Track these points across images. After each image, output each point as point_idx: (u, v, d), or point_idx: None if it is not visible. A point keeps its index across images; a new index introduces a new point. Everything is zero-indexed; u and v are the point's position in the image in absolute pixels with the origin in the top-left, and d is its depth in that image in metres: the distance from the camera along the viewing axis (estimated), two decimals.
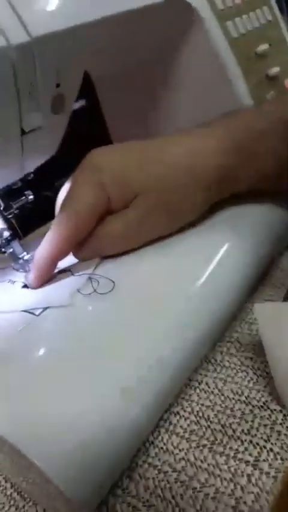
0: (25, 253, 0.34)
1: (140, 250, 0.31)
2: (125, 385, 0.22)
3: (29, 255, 0.34)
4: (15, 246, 0.33)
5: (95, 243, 0.31)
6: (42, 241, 0.30)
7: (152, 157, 0.29)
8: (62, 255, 0.31)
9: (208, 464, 0.24)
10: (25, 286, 0.32)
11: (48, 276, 0.31)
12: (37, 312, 0.28)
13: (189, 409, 0.27)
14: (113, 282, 0.28)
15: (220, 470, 0.24)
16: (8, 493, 0.27)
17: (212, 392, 0.28)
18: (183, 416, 0.27)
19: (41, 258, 0.30)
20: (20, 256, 0.33)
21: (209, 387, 0.29)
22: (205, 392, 0.28)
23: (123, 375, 0.23)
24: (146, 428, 0.24)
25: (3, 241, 0.32)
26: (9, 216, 0.31)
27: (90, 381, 0.23)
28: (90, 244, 0.31)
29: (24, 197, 0.32)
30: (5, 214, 0.31)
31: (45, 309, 0.28)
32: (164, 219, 0.30)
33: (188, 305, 0.27)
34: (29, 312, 0.28)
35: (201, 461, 0.24)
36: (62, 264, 0.32)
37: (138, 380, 0.23)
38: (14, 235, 0.33)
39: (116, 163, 0.29)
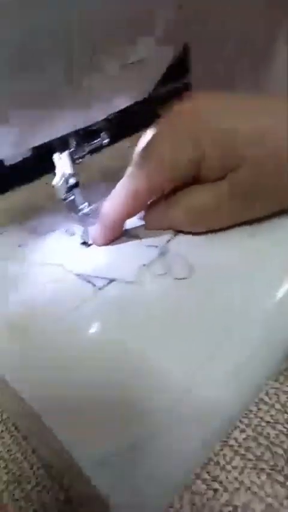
0: (86, 204, 0.29)
1: (219, 232, 0.26)
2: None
3: (89, 208, 0.29)
4: (77, 194, 0.29)
5: (173, 213, 0.26)
6: (112, 193, 0.26)
7: (273, 126, 0.24)
8: (132, 214, 0.26)
9: (266, 494, 0.21)
10: (84, 243, 0.27)
11: (115, 236, 0.27)
12: (98, 283, 0.24)
13: (246, 421, 0.24)
14: (191, 265, 0.24)
15: (281, 504, 0.21)
16: (35, 467, 0.25)
17: (273, 406, 0.25)
18: (238, 427, 0.24)
19: (109, 213, 0.26)
20: (80, 207, 0.29)
21: (270, 399, 0.25)
22: (265, 404, 0.25)
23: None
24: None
25: (67, 187, 0.27)
26: (79, 161, 0.26)
27: (159, 385, 0.19)
28: (166, 213, 0.26)
29: (99, 139, 0.27)
30: (75, 157, 0.26)
31: (109, 282, 0.24)
32: (264, 200, 0.25)
33: (279, 308, 0.23)
34: (88, 281, 0.24)
35: (258, 488, 0.22)
36: (128, 224, 0.27)
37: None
38: (78, 182, 0.28)
39: (225, 121, 0.24)
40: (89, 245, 0.27)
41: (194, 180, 0.26)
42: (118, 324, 0.22)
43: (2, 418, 0.28)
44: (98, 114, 0.24)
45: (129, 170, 0.26)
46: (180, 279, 0.23)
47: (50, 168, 0.27)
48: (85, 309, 0.23)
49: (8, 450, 0.26)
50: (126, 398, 0.19)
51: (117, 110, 0.24)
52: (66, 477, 0.23)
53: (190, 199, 0.25)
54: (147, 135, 0.27)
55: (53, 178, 0.27)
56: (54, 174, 0.27)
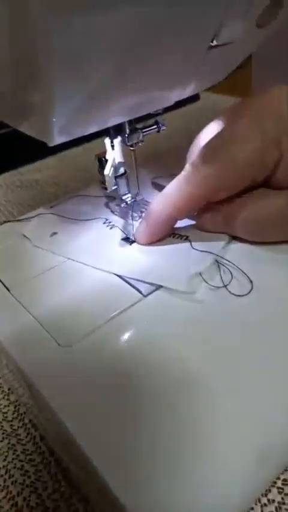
0: (129, 195, 0.27)
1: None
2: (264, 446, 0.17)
3: (132, 200, 0.27)
4: (121, 183, 0.26)
5: (235, 218, 0.23)
6: (165, 190, 0.23)
7: None
8: (183, 216, 0.24)
9: None
10: (126, 238, 0.25)
11: (160, 236, 0.24)
12: (143, 290, 0.22)
13: None
14: (251, 281, 0.21)
15: None
16: (53, 471, 0.23)
17: None
18: None
19: (157, 212, 0.23)
20: (124, 197, 0.26)
21: None
22: None
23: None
24: None
25: (115, 177, 0.24)
26: (132, 148, 0.24)
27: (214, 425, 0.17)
28: (226, 218, 0.23)
29: (155, 126, 0.24)
30: (128, 144, 0.23)
31: (156, 288, 0.22)
32: None
33: None
34: (131, 285, 0.22)
35: None
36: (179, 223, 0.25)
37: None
38: (126, 171, 0.25)
39: None
40: (132, 242, 0.25)
41: (263, 184, 0.23)
42: (164, 336, 0.20)
43: (18, 413, 0.26)
44: (170, 98, 0.21)
45: (187, 169, 0.23)
46: (239, 295, 0.21)
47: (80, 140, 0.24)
48: (127, 317, 0.20)
49: (23, 450, 0.25)
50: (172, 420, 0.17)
51: (190, 94, 0.21)
52: (86, 488, 0.22)
53: (258, 205, 0.22)
54: (208, 131, 0.24)
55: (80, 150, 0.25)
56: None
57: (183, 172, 0.23)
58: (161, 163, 0.35)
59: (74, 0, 0.12)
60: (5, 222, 0.30)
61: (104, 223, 0.26)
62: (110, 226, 0.26)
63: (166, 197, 0.23)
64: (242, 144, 0.21)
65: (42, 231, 0.27)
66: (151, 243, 0.24)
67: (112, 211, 0.27)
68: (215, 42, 0.18)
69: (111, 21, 0.14)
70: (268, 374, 0.18)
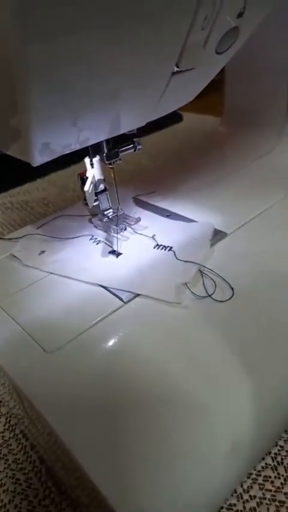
0: (111, 210, 0.28)
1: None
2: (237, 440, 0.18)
3: (114, 214, 0.28)
4: (102, 199, 0.27)
5: None
6: None
7: None
8: None
9: None
10: (113, 251, 0.26)
11: None
12: (124, 297, 0.23)
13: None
14: (232, 288, 0.23)
15: None
16: (43, 479, 0.24)
17: None
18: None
19: None
20: (106, 212, 0.28)
21: None
22: None
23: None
24: None
25: (95, 193, 0.26)
26: (111, 166, 0.25)
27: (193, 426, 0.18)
28: None
29: (132, 146, 0.26)
30: (106, 162, 0.25)
31: (137, 295, 0.23)
32: None
33: None
34: (112, 293, 0.23)
35: None
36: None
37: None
38: (106, 188, 0.27)
39: None
40: (118, 255, 0.26)
41: None
42: (143, 339, 0.21)
43: (9, 424, 0.27)
44: (141, 120, 0.23)
45: None
46: (220, 301, 0.22)
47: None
48: (109, 322, 0.22)
49: (15, 459, 0.25)
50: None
51: (159, 117, 0.23)
52: (75, 493, 0.23)
53: None
54: None
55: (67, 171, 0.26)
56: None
57: None
58: (144, 181, 0.37)
59: (51, 30, 0.14)
60: None
61: (91, 239, 0.28)
62: (96, 242, 0.27)
63: None
64: None
65: (30, 250, 0.28)
66: None
67: (95, 226, 0.29)
68: (178, 69, 0.20)
69: (84, 51, 0.16)
70: (248, 375, 0.19)
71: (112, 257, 0.26)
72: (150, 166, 0.52)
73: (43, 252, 0.27)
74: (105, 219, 0.28)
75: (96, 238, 0.27)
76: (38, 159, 0.21)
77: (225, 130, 0.46)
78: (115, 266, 0.25)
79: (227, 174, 0.35)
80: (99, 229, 0.28)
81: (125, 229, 0.27)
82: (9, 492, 0.24)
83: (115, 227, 0.27)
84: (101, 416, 0.19)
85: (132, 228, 0.28)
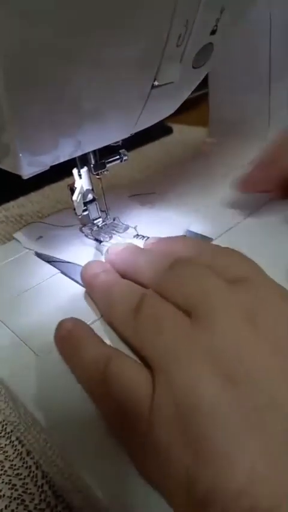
0: (100, 219, 0.29)
1: None
2: None
3: (104, 223, 0.29)
4: (92, 208, 0.29)
5: None
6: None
7: None
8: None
9: None
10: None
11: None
12: None
13: None
14: None
15: None
16: (39, 483, 0.24)
17: None
18: None
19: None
20: (95, 222, 0.29)
21: None
22: None
23: None
24: None
25: (84, 203, 0.27)
26: (98, 177, 0.27)
27: None
28: None
29: (118, 157, 0.27)
30: (94, 173, 0.26)
31: None
32: None
33: None
34: None
35: None
36: None
37: None
38: (94, 198, 0.28)
39: None
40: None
41: None
42: None
43: (5, 432, 0.28)
44: (123, 133, 0.24)
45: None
46: None
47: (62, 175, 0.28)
48: (101, 324, 0.22)
49: (11, 465, 0.26)
50: None
51: (141, 129, 0.24)
52: (70, 496, 0.23)
53: None
54: None
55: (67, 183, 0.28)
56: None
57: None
58: (136, 191, 0.38)
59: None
60: None
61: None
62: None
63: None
64: None
65: (30, 235, 0.32)
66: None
67: (86, 236, 0.30)
68: (156, 83, 0.21)
69: (67, 71, 0.17)
70: None
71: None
72: (144, 177, 0.53)
73: (41, 237, 0.31)
74: (95, 228, 0.29)
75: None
76: (27, 171, 0.22)
77: (212, 140, 0.47)
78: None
79: (212, 181, 0.36)
80: (89, 238, 0.29)
81: (111, 237, 0.28)
82: (5, 498, 0.24)
83: (104, 235, 0.28)
84: (95, 419, 0.19)
85: (120, 237, 0.29)
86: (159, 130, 0.72)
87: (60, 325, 0.20)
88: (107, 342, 0.21)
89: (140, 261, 0.22)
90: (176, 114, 0.78)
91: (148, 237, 0.27)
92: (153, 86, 0.21)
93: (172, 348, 0.16)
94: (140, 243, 0.26)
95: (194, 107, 0.74)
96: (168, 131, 0.72)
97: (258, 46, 0.37)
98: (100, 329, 0.22)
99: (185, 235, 0.28)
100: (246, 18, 0.24)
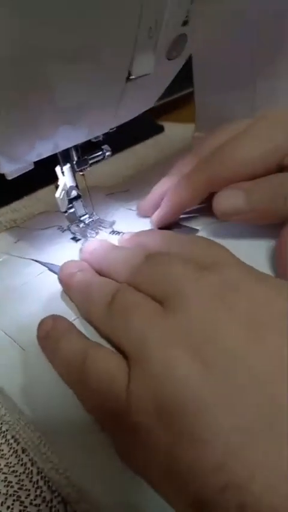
0: (87, 216, 0.29)
1: None
2: None
3: (90, 219, 0.29)
4: (78, 206, 0.29)
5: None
6: (179, 182, 0.26)
7: None
8: (197, 199, 0.27)
9: None
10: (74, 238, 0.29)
11: (171, 220, 0.28)
12: None
13: None
14: None
15: None
16: (35, 479, 0.25)
17: None
18: None
19: (173, 198, 0.27)
20: (82, 218, 0.29)
21: None
22: None
23: None
24: None
25: (68, 200, 0.27)
26: (81, 173, 0.27)
27: None
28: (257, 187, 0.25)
29: (101, 152, 0.27)
30: (77, 169, 0.26)
31: None
32: None
33: None
34: None
35: None
36: None
37: None
38: (79, 195, 0.28)
39: None
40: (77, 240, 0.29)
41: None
42: None
43: (1, 430, 0.28)
44: (101, 128, 0.24)
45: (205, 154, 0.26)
46: None
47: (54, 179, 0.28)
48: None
49: (7, 463, 0.26)
50: None
51: (120, 123, 0.24)
52: (65, 490, 0.23)
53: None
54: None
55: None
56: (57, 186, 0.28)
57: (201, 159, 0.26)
58: (128, 192, 0.38)
59: None
60: None
61: (58, 229, 0.31)
62: (61, 230, 0.31)
63: (185, 180, 0.26)
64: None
65: (8, 239, 0.33)
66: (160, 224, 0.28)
67: (73, 233, 0.30)
68: (132, 76, 0.21)
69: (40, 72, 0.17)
70: None
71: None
72: (137, 176, 0.53)
73: (18, 240, 0.32)
74: (82, 225, 0.29)
75: (62, 227, 0.30)
76: (9, 168, 0.22)
77: (200, 135, 0.47)
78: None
79: None
80: (76, 235, 0.30)
81: (98, 233, 0.29)
82: (1, 495, 0.24)
83: (91, 231, 0.29)
84: (84, 412, 0.20)
85: (105, 232, 0.29)
86: (151, 129, 0.72)
87: (41, 323, 0.21)
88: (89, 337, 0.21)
89: (113, 257, 0.22)
90: (167, 112, 0.79)
91: (123, 233, 0.27)
92: (128, 79, 0.21)
93: (145, 335, 0.16)
94: (115, 238, 0.27)
95: (183, 105, 0.75)
96: (160, 129, 0.73)
97: (241, 42, 0.38)
98: (85, 324, 0.23)
99: (154, 229, 0.28)
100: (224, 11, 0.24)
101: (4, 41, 0.15)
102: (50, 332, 0.20)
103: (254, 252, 0.23)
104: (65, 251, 0.29)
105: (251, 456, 0.13)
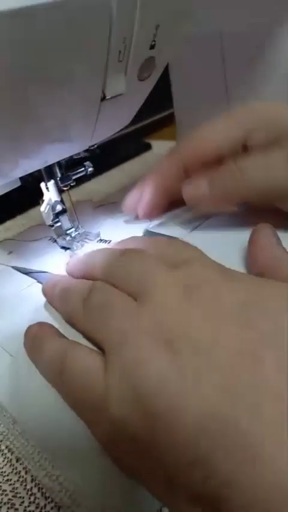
0: (73, 229, 0.31)
1: None
2: None
3: (76, 232, 0.31)
4: (64, 220, 0.30)
5: (226, 179, 0.26)
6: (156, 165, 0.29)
7: None
8: (176, 181, 0.28)
9: None
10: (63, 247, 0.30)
11: (161, 207, 0.30)
12: None
13: None
14: None
15: None
16: (28, 487, 0.25)
17: None
18: None
19: (152, 183, 0.29)
20: (68, 232, 0.30)
21: None
22: None
23: None
24: None
25: (54, 214, 0.29)
26: (65, 188, 0.28)
27: None
28: (219, 180, 0.27)
29: (83, 168, 0.29)
30: (61, 185, 0.28)
31: None
32: None
33: None
34: None
35: None
36: None
37: None
38: (65, 209, 0.30)
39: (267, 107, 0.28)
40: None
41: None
42: None
43: None
44: (80, 145, 0.26)
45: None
46: None
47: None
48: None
49: (1, 472, 0.26)
50: None
51: (98, 141, 0.26)
52: (59, 496, 0.24)
53: (240, 161, 0.26)
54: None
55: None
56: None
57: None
58: (115, 203, 0.40)
59: None
60: None
61: (50, 239, 0.33)
62: (52, 241, 0.32)
63: (159, 167, 0.29)
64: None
65: (2, 251, 0.33)
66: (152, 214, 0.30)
67: (60, 247, 0.31)
68: (106, 96, 0.23)
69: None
70: None
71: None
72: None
73: (11, 252, 0.33)
74: (68, 238, 0.31)
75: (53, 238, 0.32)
76: None
77: None
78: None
79: None
80: (63, 248, 0.31)
81: (83, 245, 0.30)
82: None
83: (77, 243, 0.30)
84: (76, 419, 0.20)
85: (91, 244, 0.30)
86: (139, 147, 0.74)
87: (27, 330, 0.22)
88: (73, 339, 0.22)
89: (93, 260, 0.23)
90: (154, 131, 0.81)
91: (110, 241, 0.28)
92: (103, 99, 0.23)
93: (118, 327, 0.17)
94: (103, 246, 0.28)
95: (168, 123, 0.77)
96: (147, 147, 0.75)
97: (211, 65, 0.40)
98: (69, 332, 0.24)
99: (135, 236, 0.30)
100: (188, 33, 0.26)
101: None
102: (35, 336, 0.21)
103: (229, 253, 0.24)
104: (55, 259, 0.31)
105: (216, 435, 0.14)
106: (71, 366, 0.18)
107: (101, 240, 0.29)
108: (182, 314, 0.16)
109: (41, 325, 0.22)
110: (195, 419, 0.14)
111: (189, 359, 0.15)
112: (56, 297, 0.24)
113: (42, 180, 0.28)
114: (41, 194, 0.29)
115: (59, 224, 0.30)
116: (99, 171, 0.62)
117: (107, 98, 0.23)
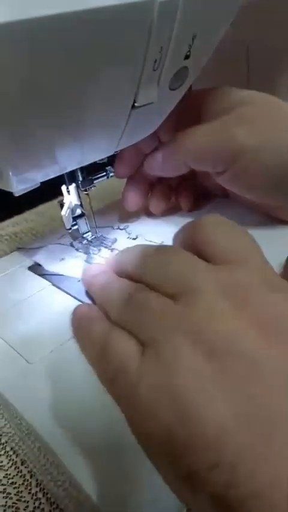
0: (90, 233, 0.30)
1: None
2: None
3: (93, 236, 0.31)
4: (81, 223, 0.30)
5: None
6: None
7: None
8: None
9: None
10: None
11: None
12: None
13: None
14: None
15: None
16: (33, 491, 0.25)
17: None
18: None
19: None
20: (85, 235, 0.30)
21: None
22: None
23: None
24: None
25: (73, 218, 0.28)
26: (86, 192, 0.28)
27: None
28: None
29: (105, 173, 0.28)
30: (82, 189, 0.28)
31: None
32: None
33: None
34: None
35: None
36: None
37: None
38: (83, 213, 0.29)
39: None
40: None
41: None
42: None
43: (0, 442, 0.28)
44: (106, 151, 0.25)
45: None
46: None
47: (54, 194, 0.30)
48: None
49: (6, 475, 0.26)
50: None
51: (124, 147, 0.26)
52: (64, 502, 0.24)
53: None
54: None
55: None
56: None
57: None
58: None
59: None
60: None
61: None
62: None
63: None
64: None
65: (52, 257, 0.32)
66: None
67: (76, 249, 0.31)
68: (136, 104, 0.23)
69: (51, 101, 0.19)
70: None
71: None
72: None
73: (63, 259, 0.31)
74: (85, 241, 0.30)
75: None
76: (18, 187, 0.24)
77: None
78: None
79: None
80: (79, 251, 0.31)
81: (100, 250, 0.30)
82: (0, 507, 0.24)
83: (94, 248, 0.30)
84: (90, 424, 0.20)
85: (110, 249, 0.30)
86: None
87: (75, 310, 0.22)
88: None
89: (131, 257, 0.23)
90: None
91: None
92: (133, 107, 0.23)
93: (158, 325, 0.17)
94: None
95: None
96: None
97: (236, 73, 0.40)
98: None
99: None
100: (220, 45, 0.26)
101: (17, 80, 0.17)
102: (82, 317, 0.21)
103: None
104: (77, 263, 0.30)
105: (242, 441, 0.14)
106: (112, 346, 0.18)
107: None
108: (223, 319, 0.16)
109: (89, 306, 0.23)
110: (219, 425, 0.14)
111: (229, 368, 0.15)
112: (96, 287, 0.24)
113: (52, 178, 0.28)
114: (50, 191, 0.28)
115: (76, 227, 0.30)
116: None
117: (138, 106, 0.23)
